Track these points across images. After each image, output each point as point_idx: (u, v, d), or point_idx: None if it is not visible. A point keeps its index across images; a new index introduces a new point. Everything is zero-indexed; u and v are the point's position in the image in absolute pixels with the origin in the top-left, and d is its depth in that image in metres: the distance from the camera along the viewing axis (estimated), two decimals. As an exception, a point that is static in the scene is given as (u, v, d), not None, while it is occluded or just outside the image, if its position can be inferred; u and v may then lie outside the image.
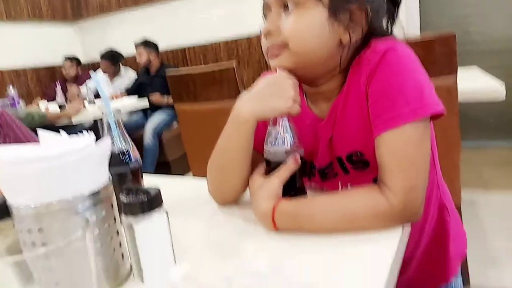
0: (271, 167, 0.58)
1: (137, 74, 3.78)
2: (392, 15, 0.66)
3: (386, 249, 0.47)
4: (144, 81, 3.51)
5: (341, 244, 0.50)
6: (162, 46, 3.67)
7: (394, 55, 0.56)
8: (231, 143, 0.63)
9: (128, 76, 3.87)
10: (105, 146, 0.45)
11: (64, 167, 0.40)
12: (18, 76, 4.15)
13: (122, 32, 4.38)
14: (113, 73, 3.81)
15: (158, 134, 3.19)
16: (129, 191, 0.43)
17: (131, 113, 3.48)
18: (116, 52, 3.82)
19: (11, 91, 3.03)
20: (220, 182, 0.67)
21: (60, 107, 2.98)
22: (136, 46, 3.47)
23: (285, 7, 0.59)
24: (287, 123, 0.58)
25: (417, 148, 0.53)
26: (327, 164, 0.68)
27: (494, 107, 2.82)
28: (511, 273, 1.53)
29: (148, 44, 3.45)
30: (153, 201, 0.42)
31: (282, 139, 0.57)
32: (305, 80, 0.66)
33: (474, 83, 1.46)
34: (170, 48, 4.12)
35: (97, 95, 3.73)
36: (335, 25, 0.58)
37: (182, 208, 0.70)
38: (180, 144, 1.94)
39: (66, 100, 3.05)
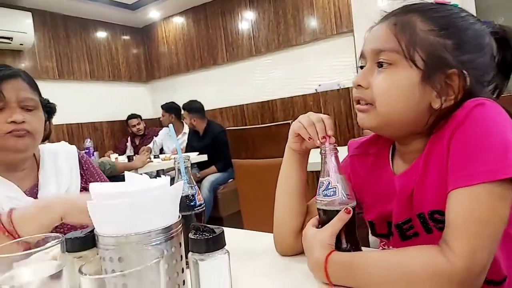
0: (324, 217, 0.59)
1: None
2: (500, 83, 0.62)
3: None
4: (194, 141, 3.63)
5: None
6: (223, 104, 3.92)
7: (481, 110, 0.53)
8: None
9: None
10: (178, 187, 0.50)
11: (143, 203, 0.45)
12: (95, 129, 4.63)
13: (189, 92, 4.80)
14: (177, 129, 4.08)
15: (215, 189, 3.28)
16: (197, 229, 0.47)
17: (191, 168, 3.64)
18: (172, 106, 3.99)
19: (88, 142, 3.38)
20: (278, 216, 0.72)
21: (129, 158, 3.25)
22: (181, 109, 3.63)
23: (379, 64, 0.60)
24: (339, 174, 0.59)
25: (489, 211, 0.49)
26: (404, 219, 0.64)
27: None
28: None
29: (187, 109, 3.55)
30: (217, 240, 0.46)
31: (333, 189, 0.58)
32: (393, 138, 0.67)
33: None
34: (230, 106, 4.40)
35: (161, 150, 4.01)
36: (427, 89, 0.57)
37: (240, 255, 0.72)
38: (234, 201, 1.98)
39: (134, 153, 3.33)
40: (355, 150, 0.76)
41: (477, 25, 0.60)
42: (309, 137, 0.66)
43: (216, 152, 3.29)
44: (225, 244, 0.47)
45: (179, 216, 0.51)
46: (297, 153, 0.72)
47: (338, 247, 0.57)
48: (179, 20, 4.86)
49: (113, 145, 4.72)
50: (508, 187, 0.50)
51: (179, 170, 0.68)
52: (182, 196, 0.68)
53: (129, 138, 3.88)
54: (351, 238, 0.59)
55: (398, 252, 0.54)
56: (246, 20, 4.25)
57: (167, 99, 4.14)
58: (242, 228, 1.93)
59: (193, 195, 0.68)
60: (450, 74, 0.57)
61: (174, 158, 0.69)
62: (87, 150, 3.39)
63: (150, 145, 3.72)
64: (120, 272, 0.36)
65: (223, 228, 0.47)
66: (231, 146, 1.97)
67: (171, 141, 4.03)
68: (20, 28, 3.76)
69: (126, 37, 5.11)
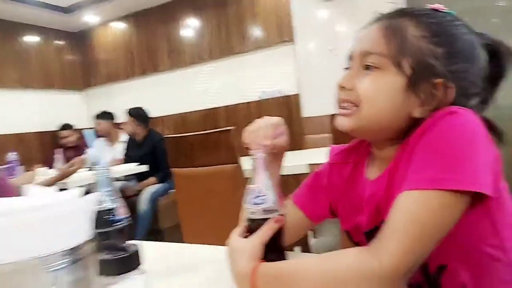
0: (252, 226, 0.56)
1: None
2: (486, 96, 0.61)
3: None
4: (132, 151, 3.44)
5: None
6: (164, 112, 3.80)
7: (451, 118, 0.51)
8: None
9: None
10: (90, 200, 0.44)
11: (38, 220, 0.38)
12: (21, 141, 4.23)
13: (128, 99, 4.58)
14: (112, 137, 3.81)
15: (154, 200, 3.14)
16: (108, 248, 0.41)
17: (129, 179, 3.47)
18: (108, 112, 3.75)
19: (12, 156, 3.06)
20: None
21: (57, 172, 2.99)
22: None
23: (366, 66, 0.58)
24: (268, 180, 0.56)
25: (433, 218, 0.48)
26: (373, 227, 0.62)
27: None
28: None
29: (134, 115, 3.36)
30: (130, 260, 0.40)
31: (263, 197, 0.55)
32: (369, 140, 0.65)
33: None
34: (171, 114, 4.27)
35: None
36: (411, 97, 0.55)
37: (168, 274, 0.67)
38: (175, 212, 1.90)
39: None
40: (334, 157, 0.73)
41: (470, 35, 0.59)
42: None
43: (155, 162, 3.15)
44: (140, 263, 0.42)
45: (91, 234, 0.45)
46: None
47: (266, 257, 0.54)
48: (119, 26, 4.65)
49: (43, 158, 4.35)
50: (460, 200, 0.48)
51: (99, 181, 0.61)
52: (100, 211, 0.61)
53: (62, 150, 3.58)
54: (279, 247, 0.56)
55: (328, 256, 0.52)
56: (189, 27, 4.19)
57: (104, 107, 3.91)
58: (182, 241, 1.87)
59: (113, 209, 0.61)
60: (436, 83, 0.55)
61: (95, 168, 0.62)
62: (10, 164, 3.07)
63: (83, 156, 3.46)
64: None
65: (138, 247, 0.42)
66: (169, 155, 1.89)
67: (109, 151, 3.80)
68: None
69: (60, 42, 4.78)
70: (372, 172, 0.65)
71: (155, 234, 3.12)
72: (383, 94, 0.56)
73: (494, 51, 0.61)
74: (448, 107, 0.53)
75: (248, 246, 0.54)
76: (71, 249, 0.40)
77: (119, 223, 0.62)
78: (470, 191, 0.48)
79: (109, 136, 3.81)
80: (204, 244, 0.80)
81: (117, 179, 3.48)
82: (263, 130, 0.64)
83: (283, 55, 3.70)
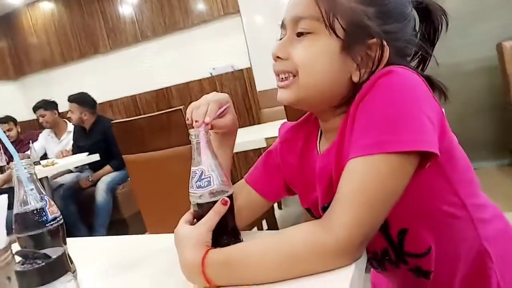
0: (199, 211, 0.52)
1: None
2: (424, 56, 0.61)
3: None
4: (81, 140, 3.24)
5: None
6: (112, 97, 3.60)
7: (387, 79, 0.49)
8: None
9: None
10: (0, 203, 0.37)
11: None
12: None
13: (68, 86, 4.26)
14: (59, 128, 3.58)
15: (112, 190, 3.00)
16: (25, 257, 0.35)
17: (82, 170, 3.29)
18: (51, 101, 3.48)
19: None
20: None
21: (1, 170, 2.75)
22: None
23: (299, 33, 0.56)
24: (212, 160, 0.52)
25: (379, 183, 0.46)
26: (328, 202, 0.60)
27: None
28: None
29: (77, 101, 3.13)
30: (54, 266, 0.35)
31: (207, 179, 0.51)
32: (313, 112, 0.63)
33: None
34: (120, 98, 4.05)
35: (44, 156, 3.50)
36: (347, 61, 0.54)
37: (125, 268, 0.61)
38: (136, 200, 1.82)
39: (8, 163, 2.82)
40: (284, 134, 0.71)
41: None
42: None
43: (108, 150, 2.98)
44: (69, 269, 0.36)
45: (7, 241, 0.39)
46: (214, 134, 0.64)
47: (216, 243, 0.50)
48: (47, 6, 4.25)
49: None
50: (408, 161, 0.47)
51: (19, 180, 0.54)
52: (28, 212, 0.54)
53: (1, 146, 3.28)
54: (229, 230, 0.52)
55: (279, 235, 0.49)
56: (126, 2, 3.91)
57: (43, 96, 3.60)
58: (145, 230, 1.80)
59: (42, 209, 0.54)
60: (371, 44, 0.54)
61: (13, 165, 0.54)
62: None
63: (28, 152, 3.21)
64: None
65: (64, 250, 0.36)
66: (119, 141, 1.78)
67: (54, 144, 3.56)
68: None
69: (-17, 28, 4.31)
70: (322, 146, 0.64)
71: (116, 224, 3.01)
72: (319, 60, 0.55)
73: (425, 10, 0.60)
74: (384, 68, 0.52)
75: (194, 234, 0.50)
76: (-23, 264, 0.34)
77: (53, 222, 0.56)
78: (417, 151, 0.46)
79: (55, 127, 3.55)
80: (168, 231, 0.75)
81: (70, 171, 3.28)
82: (204, 107, 0.59)
83: (230, 28, 3.59)
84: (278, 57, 0.58)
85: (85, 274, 0.60)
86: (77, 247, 0.65)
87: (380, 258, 0.61)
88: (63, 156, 3.30)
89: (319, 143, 0.65)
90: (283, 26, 0.60)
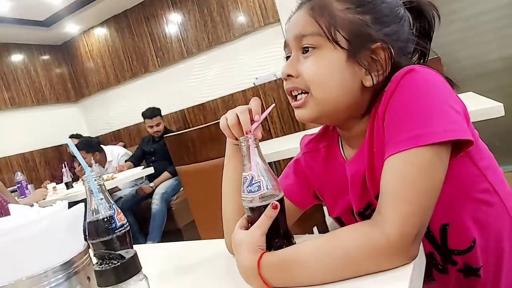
0: (252, 215, 0.53)
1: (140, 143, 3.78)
2: (423, 50, 0.63)
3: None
4: (148, 149, 3.55)
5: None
6: (162, 112, 3.78)
7: (409, 77, 0.52)
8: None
9: (117, 153, 3.74)
10: (77, 211, 0.42)
11: (25, 238, 0.36)
12: (25, 160, 4.24)
13: (124, 103, 4.57)
14: (98, 160, 3.56)
15: (166, 200, 3.15)
16: (101, 258, 0.39)
17: (139, 182, 3.49)
18: (90, 138, 3.79)
19: (19, 176, 3.07)
20: (225, 214, 0.69)
21: (67, 186, 3.00)
22: (148, 116, 3.52)
23: (304, 49, 0.58)
24: (261, 165, 0.53)
25: (420, 175, 0.47)
26: (365, 205, 0.62)
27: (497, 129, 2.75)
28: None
29: (160, 114, 3.58)
30: (128, 266, 0.38)
31: (257, 184, 0.52)
32: (334, 125, 0.65)
33: (471, 106, 1.43)
34: (170, 112, 4.24)
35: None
36: (355, 68, 0.56)
37: (177, 273, 0.65)
38: (190, 209, 1.89)
39: (73, 180, 3.07)
40: (305, 147, 0.73)
41: None
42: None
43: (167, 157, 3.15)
44: (141, 268, 0.40)
45: (85, 245, 0.43)
46: (236, 145, 0.67)
47: (270, 246, 0.52)
48: (100, 32, 4.58)
49: (49, 174, 4.36)
50: (444, 150, 0.48)
51: (90, 190, 0.59)
52: (99, 220, 0.60)
53: (65, 164, 3.56)
54: (282, 233, 0.53)
55: (330, 236, 0.49)
56: (172, 22, 4.11)
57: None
58: (200, 238, 1.86)
59: (111, 216, 0.59)
60: (375, 48, 0.56)
61: (84, 178, 0.60)
62: (19, 184, 3.09)
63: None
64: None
65: (135, 251, 0.40)
66: (172, 153, 1.87)
67: (115, 160, 3.79)
68: None
69: (45, 57, 4.72)
70: (348, 152, 0.65)
71: (171, 234, 3.13)
72: (328, 73, 0.57)
73: (417, 9, 0.63)
74: (403, 68, 0.54)
75: (249, 239, 0.52)
76: (62, 264, 0.38)
77: (121, 229, 0.61)
78: (451, 140, 0.48)
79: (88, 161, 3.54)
80: (221, 237, 0.78)
81: (135, 184, 3.50)
82: (245, 116, 0.60)
83: (271, 37, 3.63)
84: (289, 75, 0.60)
85: (149, 276, 0.64)
86: (139, 253, 0.69)
87: (427, 265, 0.60)
88: (119, 171, 3.51)
89: (343, 150, 0.67)
90: (286, 46, 0.63)
